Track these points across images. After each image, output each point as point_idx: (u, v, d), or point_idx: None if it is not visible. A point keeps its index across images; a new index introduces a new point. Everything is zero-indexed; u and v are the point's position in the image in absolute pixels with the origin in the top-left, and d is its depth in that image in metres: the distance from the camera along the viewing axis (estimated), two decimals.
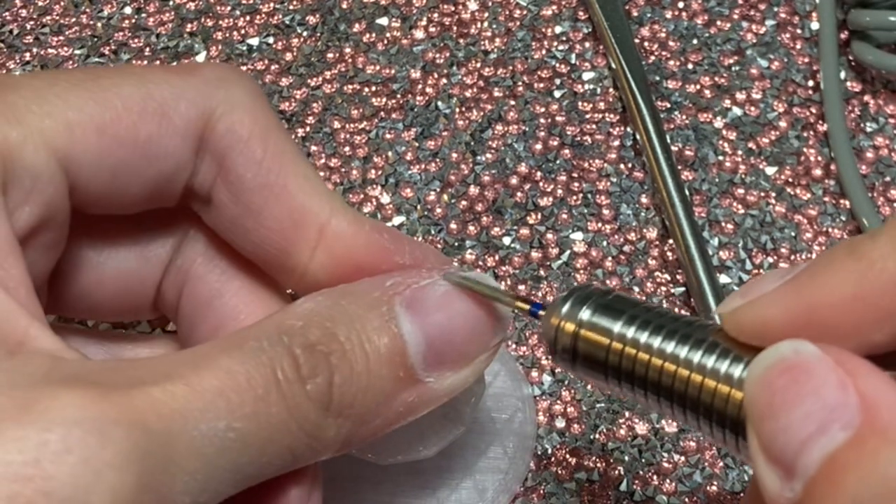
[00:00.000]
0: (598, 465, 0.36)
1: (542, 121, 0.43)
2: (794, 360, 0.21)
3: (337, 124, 0.43)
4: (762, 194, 0.41)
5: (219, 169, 0.27)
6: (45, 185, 0.25)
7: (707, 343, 0.24)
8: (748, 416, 0.22)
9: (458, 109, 0.43)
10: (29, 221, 0.25)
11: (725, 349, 0.23)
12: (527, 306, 0.27)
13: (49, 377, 0.22)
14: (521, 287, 0.39)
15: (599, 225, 0.40)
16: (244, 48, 0.45)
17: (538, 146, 0.42)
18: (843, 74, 0.43)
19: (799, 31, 0.45)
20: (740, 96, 0.43)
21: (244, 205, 0.27)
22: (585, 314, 0.25)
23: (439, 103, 0.43)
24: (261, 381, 0.24)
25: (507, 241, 0.40)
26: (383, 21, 0.45)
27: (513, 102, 0.43)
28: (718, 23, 0.45)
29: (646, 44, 0.44)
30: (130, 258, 0.29)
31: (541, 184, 0.41)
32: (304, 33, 0.45)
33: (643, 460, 0.36)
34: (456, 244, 0.40)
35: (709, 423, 0.23)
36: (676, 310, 0.38)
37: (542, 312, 0.26)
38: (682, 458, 0.36)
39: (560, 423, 0.36)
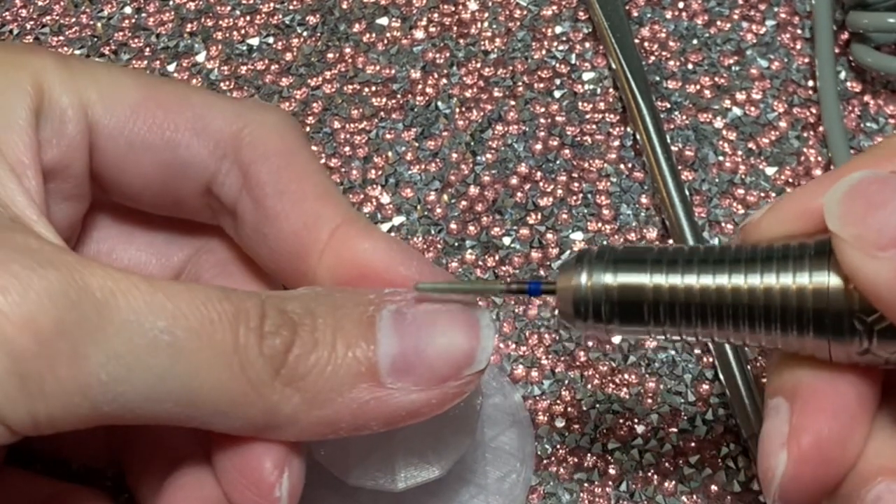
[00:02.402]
0: (598, 465, 0.36)
1: (542, 121, 0.43)
2: (877, 174, 0.23)
3: (337, 124, 0.43)
4: (762, 195, 0.41)
5: (244, 179, 0.29)
6: (70, 129, 0.27)
7: (758, 255, 0.25)
8: (838, 233, 0.23)
9: (458, 109, 0.43)
10: (50, 157, 0.27)
11: (780, 249, 0.25)
12: (524, 286, 0.27)
13: (20, 230, 0.24)
14: None
15: (599, 225, 0.40)
16: (244, 48, 0.45)
17: (538, 146, 0.42)
18: (843, 75, 0.43)
19: (799, 31, 0.45)
20: (740, 96, 0.43)
21: (264, 210, 0.28)
22: (609, 272, 0.26)
23: (439, 103, 0.43)
24: (217, 309, 0.24)
25: (507, 241, 0.40)
26: (383, 21, 0.45)
27: (513, 102, 0.43)
28: (718, 23, 0.45)
29: (646, 44, 0.44)
30: (143, 261, 0.31)
31: (541, 184, 0.41)
32: (305, 33, 0.45)
33: (643, 460, 0.36)
34: (456, 244, 0.40)
35: (778, 324, 0.25)
36: None
37: (553, 283, 0.27)
38: (682, 458, 0.36)
39: (560, 423, 0.36)
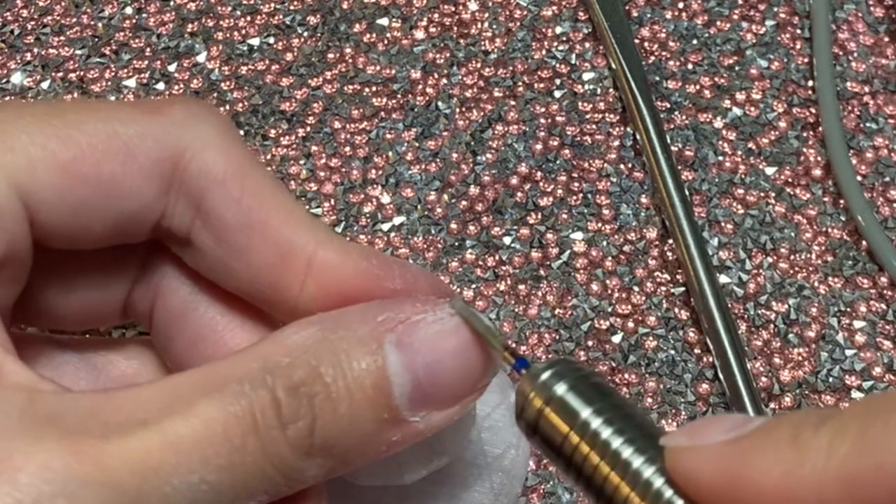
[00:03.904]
0: None
1: (542, 121, 0.43)
2: None
3: (337, 124, 0.43)
4: (762, 194, 0.41)
5: (196, 212, 0.27)
6: (8, 219, 0.25)
7: (648, 472, 0.23)
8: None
9: (458, 109, 0.43)
10: None
11: (657, 490, 0.23)
12: (511, 360, 0.26)
13: (24, 420, 0.22)
14: (522, 287, 0.39)
15: (599, 225, 0.40)
16: (245, 48, 0.45)
17: (538, 146, 0.42)
18: (843, 75, 0.43)
19: (798, 31, 0.45)
20: (740, 96, 0.43)
21: (228, 245, 0.27)
22: (559, 389, 0.25)
23: (439, 103, 0.43)
24: (238, 430, 0.24)
25: (507, 240, 0.40)
26: (384, 21, 0.45)
27: (513, 102, 0.43)
28: (718, 23, 0.45)
29: (646, 44, 0.45)
30: (95, 275, 0.29)
31: (541, 184, 0.41)
32: (305, 33, 0.45)
33: None
34: (456, 244, 0.40)
35: None
36: (676, 310, 0.39)
37: (524, 372, 0.26)
38: None
39: None
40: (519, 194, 0.41)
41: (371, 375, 0.25)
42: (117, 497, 0.22)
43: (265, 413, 0.24)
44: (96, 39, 0.45)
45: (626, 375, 0.37)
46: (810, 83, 0.43)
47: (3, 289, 0.26)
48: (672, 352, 0.38)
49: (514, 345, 0.38)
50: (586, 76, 0.44)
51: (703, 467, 0.22)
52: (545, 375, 0.25)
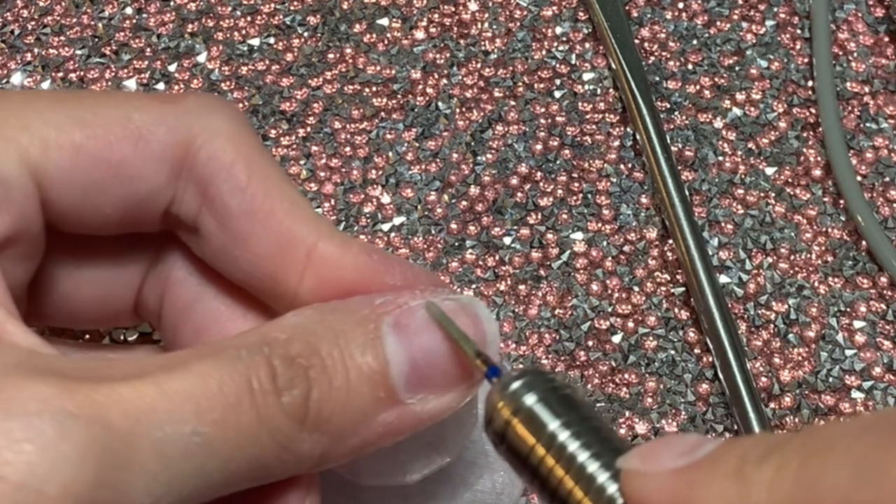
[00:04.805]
0: None
1: (542, 121, 0.43)
2: None
3: (338, 124, 0.43)
4: (762, 194, 0.41)
5: (203, 198, 0.27)
6: (18, 194, 0.25)
7: (611, 489, 0.23)
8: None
9: (458, 110, 0.43)
10: (2, 230, 0.25)
11: None
12: (483, 367, 0.26)
13: (20, 367, 0.22)
14: (522, 287, 0.39)
15: (599, 225, 0.40)
16: (245, 48, 0.45)
17: (538, 146, 0.42)
18: (843, 75, 0.43)
19: (798, 31, 0.45)
20: (740, 96, 0.43)
21: (231, 232, 0.27)
22: (528, 400, 0.24)
23: (440, 104, 0.43)
24: (233, 388, 0.24)
25: (507, 240, 0.40)
26: (384, 21, 0.45)
27: (513, 103, 0.43)
28: (718, 23, 0.45)
29: (646, 44, 0.45)
30: (108, 265, 0.29)
31: (541, 184, 0.41)
32: (305, 34, 0.45)
33: None
34: (456, 244, 0.40)
35: None
36: (676, 310, 0.39)
37: (494, 380, 0.25)
38: None
39: None
40: (519, 194, 0.41)
41: (368, 352, 0.25)
42: (106, 434, 0.22)
43: (261, 377, 0.24)
44: (96, 39, 0.45)
45: (626, 375, 0.37)
46: (810, 83, 0.43)
47: (14, 265, 0.26)
48: (672, 352, 0.38)
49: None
50: (586, 76, 0.44)
51: (653, 495, 0.22)
52: (515, 385, 0.25)
